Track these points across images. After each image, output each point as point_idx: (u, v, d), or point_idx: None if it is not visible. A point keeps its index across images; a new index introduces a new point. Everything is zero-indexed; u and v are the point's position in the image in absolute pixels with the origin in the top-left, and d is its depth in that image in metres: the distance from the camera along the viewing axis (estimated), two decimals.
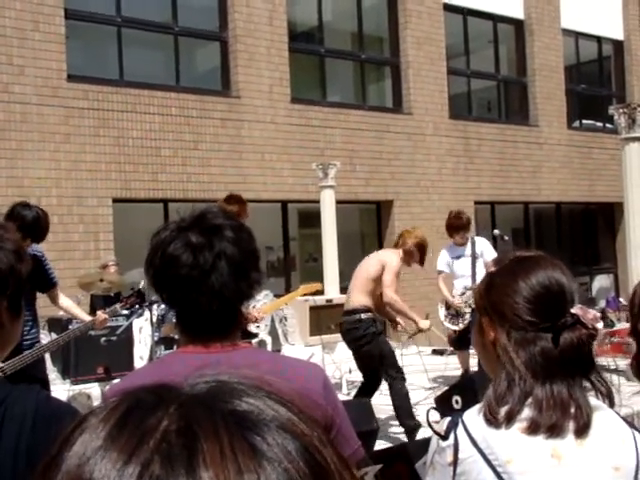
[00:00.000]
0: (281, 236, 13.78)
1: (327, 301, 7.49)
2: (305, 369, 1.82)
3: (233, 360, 1.75)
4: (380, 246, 14.77)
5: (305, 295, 7.10)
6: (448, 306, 8.29)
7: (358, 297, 6.25)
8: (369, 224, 15.29)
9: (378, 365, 6.13)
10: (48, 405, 1.56)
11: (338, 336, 8.04)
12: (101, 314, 5.10)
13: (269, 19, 13.14)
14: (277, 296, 11.18)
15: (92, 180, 11.14)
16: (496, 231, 9.35)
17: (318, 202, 11.32)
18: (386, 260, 6.34)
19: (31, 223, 5.01)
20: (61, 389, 6.59)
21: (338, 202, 12.19)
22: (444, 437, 1.56)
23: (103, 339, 6.60)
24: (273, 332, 9.60)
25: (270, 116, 13.02)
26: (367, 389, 6.38)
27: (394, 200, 14.62)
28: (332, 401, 1.79)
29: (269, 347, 10.85)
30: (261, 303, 10.74)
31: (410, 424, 6.01)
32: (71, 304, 5.48)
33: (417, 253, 6.49)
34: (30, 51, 10.75)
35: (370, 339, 6.07)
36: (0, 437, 1.48)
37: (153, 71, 12.37)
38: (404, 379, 6.16)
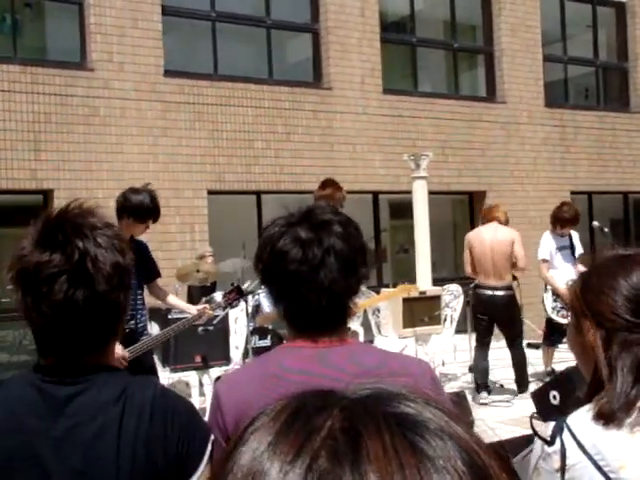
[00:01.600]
0: (372, 227, 13.76)
1: (420, 293, 7.44)
2: (414, 364, 1.81)
3: (341, 355, 1.76)
4: None
5: (400, 295, 7.08)
6: (555, 298, 8.05)
7: (508, 275, 7.36)
8: (461, 215, 15.10)
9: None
10: (164, 398, 1.59)
11: (432, 328, 7.99)
12: (208, 310, 5.14)
13: (361, 10, 13.11)
14: (369, 288, 11.19)
15: (188, 172, 11.38)
16: (595, 223, 9.06)
17: (409, 193, 11.22)
18: (513, 236, 7.35)
19: (139, 207, 5.12)
20: (161, 377, 6.77)
21: (430, 193, 12.05)
22: (549, 442, 1.52)
23: (200, 329, 6.74)
24: (366, 323, 9.60)
25: (362, 107, 13.00)
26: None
27: (487, 191, 14.38)
28: (441, 395, 1.77)
29: (361, 338, 10.86)
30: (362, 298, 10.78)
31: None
32: (174, 297, 5.54)
33: None
34: (129, 48, 11.04)
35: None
36: (120, 427, 1.52)
37: (246, 64, 12.52)
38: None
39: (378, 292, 8.11)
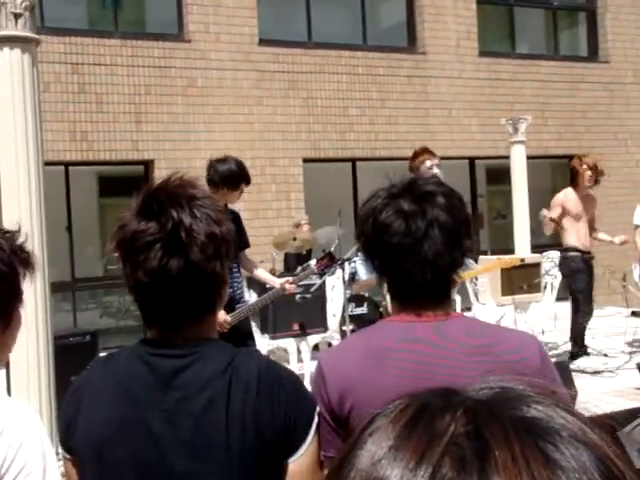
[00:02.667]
0: (469, 193, 13.52)
1: (520, 260, 7.27)
2: (520, 340, 1.75)
3: (454, 327, 1.72)
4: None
5: (501, 270, 6.92)
6: None
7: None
8: (561, 180, 14.64)
9: None
10: (269, 371, 1.59)
11: (531, 296, 7.81)
12: (290, 285, 5.15)
13: None
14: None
15: (283, 141, 11.43)
16: None
17: (507, 158, 10.94)
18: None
19: (229, 174, 5.19)
20: (260, 344, 6.88)
21: (528, 157, 11.70)
22: None
23: (298, 296, 6.79)
24: (463, 291, 9.48)
25: (457, 71, 12.72)
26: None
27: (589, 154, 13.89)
28: (550, 373, 1.71)
29: (458, 306, 10.75)
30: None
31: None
32: (261, 270, 5.50)
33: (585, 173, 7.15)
34: (224, 18, 11.12)
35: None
36: (228, 400, 1.53)
37: (340, 31, 12.42)
38: None
39: (476, 260, 7.97)
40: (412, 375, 1.67)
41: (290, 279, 5.23)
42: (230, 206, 5.26)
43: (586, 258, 7.24)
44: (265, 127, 11.31)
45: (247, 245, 5.39)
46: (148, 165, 10.78)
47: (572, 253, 7.27)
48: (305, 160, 11.63)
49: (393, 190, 1.78)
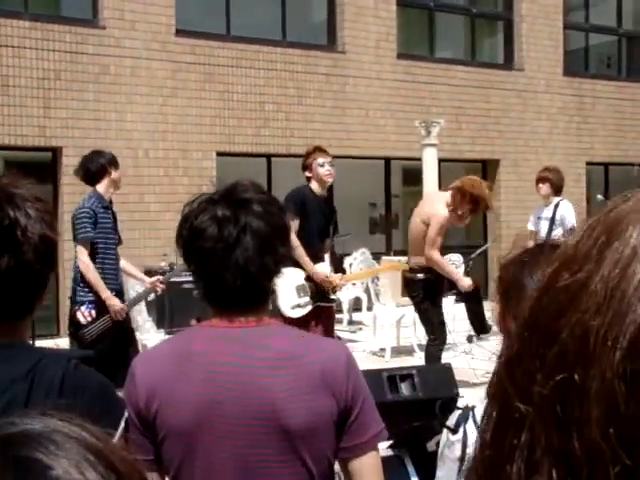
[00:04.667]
0: (383, 193, 13.69)
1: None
2: (326, 350, 1.77)
3: (252, 337, 1.73)
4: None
5: (389, 271, 7.02)
6: None
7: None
8: None
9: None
10: (76, 374, 1.56)
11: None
12: (159, 284, 5.46)
13: None
14: (375, 255, 11.18)
15: (197, 134, 11.32)
16: (599, 196, 8.92)
17: (420, 160, 11.13)
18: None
19: (85, 171, 5.42)
20: (156, 338, 6.82)
21: (442, 160, 11.92)
22: (453, 431, 1.48)
23: (196, 292, 6.75)
24: (368, 290, 9.62)
25: (375, 72, 12.81)
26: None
27: (501, 160, 14.21)
28: (354, 382, 1.74)
29: (364, 305, 10.92)
30: (358, 261, 10.80)
31: None
32: (131, 266, 5.68)
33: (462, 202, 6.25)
34: (141, 6, 10.91)
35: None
36: (27, 402, 1.49)
37: (260, 26, 12.34)
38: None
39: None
40: (214, 383, 1.68)
41: (161, 278, 5.44)
42: (88, 199, 5.45)
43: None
44: (179, 119, 11.18)
45: (121, 242, 5.62)
46: (56, 152, 10.52)
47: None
48: (219, 154, 11.54)
49: (213, 196, 1.81)
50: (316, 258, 5.98)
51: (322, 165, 5.92)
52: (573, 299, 0.48)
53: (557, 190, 7.73)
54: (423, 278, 6.44)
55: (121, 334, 5.15)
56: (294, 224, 5.80)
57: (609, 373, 0.45)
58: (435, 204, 6.43)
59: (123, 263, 5.54)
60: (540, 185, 7.78)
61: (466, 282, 6.58)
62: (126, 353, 4.79)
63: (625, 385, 0.44)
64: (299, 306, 5.94)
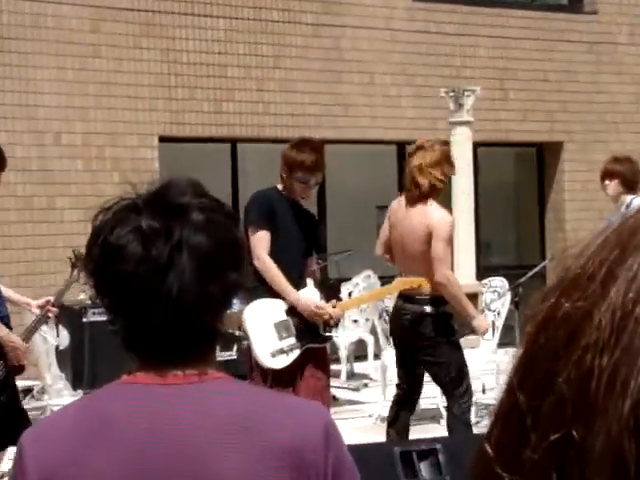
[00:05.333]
0: (397, 191, 13.73)
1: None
2: (298, 416, 1.81)
3: (192, 400, 1.77)
4: (541, 207, 14.60)
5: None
6: None
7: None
8: (525, 176, 15.04)
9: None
10: None
11: (465, 340, 8.01)
12: (51, 308, 5.72)
13: None
14: (383, 279, 11.21)
15: (131, 111, 11.36)
16: None
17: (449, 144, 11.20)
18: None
19: None
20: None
21: (479, 144, 12.02)
22: None
23: None
24: (375, 329, 9.68)
25: (383, 19, 12.91)
26: None
27: (564, 143, 14.29)
28: (335, 461, 1.77)
29: (370, 349, 10.95)
30: (360, 288, 10.82)
31: None
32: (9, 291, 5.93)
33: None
34: None
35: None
36: None
37: None
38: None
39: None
40: (138, 464, 1.72)
41: (50, 299, 5.71)
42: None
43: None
44: (105, 89, 11.22)
45: None
46: None
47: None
48: (162, 139, 11.59)
49: (137, 200, 1.85)
50: (298, 283, 6.19)
51: (303, 181, 6.25)
52: (574, 334, 0.51)
53: (630, 187, 7.79)
54: (433, 313, 6.70)
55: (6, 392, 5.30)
56: (261, 238, 6.00)
57: (616, 427, 0.47)
58: (425, 206, 6.77)
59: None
60: (607, 182, 7.86)
61: (483, 323, 6.86)
62: (13, 424, 4.91)
63: (636, 443, 0.46)
64: (282, 352, 6.08)
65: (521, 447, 0.50)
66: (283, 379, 6.03)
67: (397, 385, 7.12)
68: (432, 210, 6.85)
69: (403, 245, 6.88)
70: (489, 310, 8.82)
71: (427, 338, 6.70)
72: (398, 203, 7.05)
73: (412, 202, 6.80)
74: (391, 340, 7.45)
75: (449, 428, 6.80)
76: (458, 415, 6.67)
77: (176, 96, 11.70)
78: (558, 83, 14.17)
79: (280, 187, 6.31)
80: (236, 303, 8.69)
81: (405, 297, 6.84)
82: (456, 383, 6.75)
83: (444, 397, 7.07)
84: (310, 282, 6.40)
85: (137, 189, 1.90)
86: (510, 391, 0.53)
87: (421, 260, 6.74)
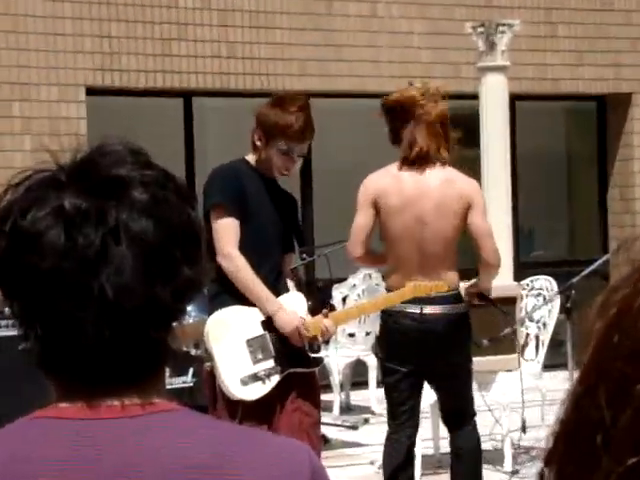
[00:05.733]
0: None
1: (480, 296, 7.49)
2: (273, 457, 1.81)
3: (133, 436, 1.77)
4: (602, 182, 14.63)
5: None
6: None
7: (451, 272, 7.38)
8: (581, 140, 15.07)
9: None
10: None
11: (498, 360, 8.04)
12: None
13: None
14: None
15: (48, 53, 11.37)
16: None
17: (475, 98, 11.22)
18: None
19: None
20: None
21: (517, 97, 12.04)
22: None
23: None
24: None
25: None
26: None
27: (633, 94, 14.34)
28: None
29: (372, 373, 10.97)
30: (358, 291, 10.83)
31: None
32: None
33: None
34: None
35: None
36: None
37: None
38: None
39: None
40: None
41: None
42: None
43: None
44: (11, 23, 11.23)
45: None
46: None
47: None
48: (91, 91, 11.62)
49: (58, 174, 1.83)
50: (276, 287, 6.14)
51: (286, 153, 6.18)
52: None
53: None
54: (466, 311, 7.13)
55: None
56: (227, 227, 5.95)
57: None
58: (454, 175, 7.02)
59: None
60: None
61: None
62: None
63: None
64: (257, 378, 6.04)
65: (589, 474, 0.51)
66: (257, 414, 5.96)
67: (406, 421, 7.27)
68: (458, 175, 7.03)
69: (422, 233, 6.99)
70: (530, 320, 8.83)
71: (462, 345, 7.12)
72: (396, 179, 7.10)
73: (426, 172, 6.97)
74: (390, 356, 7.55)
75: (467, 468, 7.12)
76: (474, 444, 7.08)
77: (109, 33, 11.71)
78: (626, 14, 14.22)
79: (251, 159, 6.21)
80: (193, 311, 8.69)
81: (420, 299, 7.00)
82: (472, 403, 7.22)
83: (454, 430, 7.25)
84: (292, 285, 6.39)
85: (57, 158, 1.89)
86: (575, 403, 0.54)
87: (447, 252, 7.03)
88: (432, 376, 7.28)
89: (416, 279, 6.97)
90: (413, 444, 7.36)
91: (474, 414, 7.29)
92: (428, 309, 7.03)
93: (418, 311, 7.04)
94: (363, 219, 7.14)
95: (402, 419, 7.24)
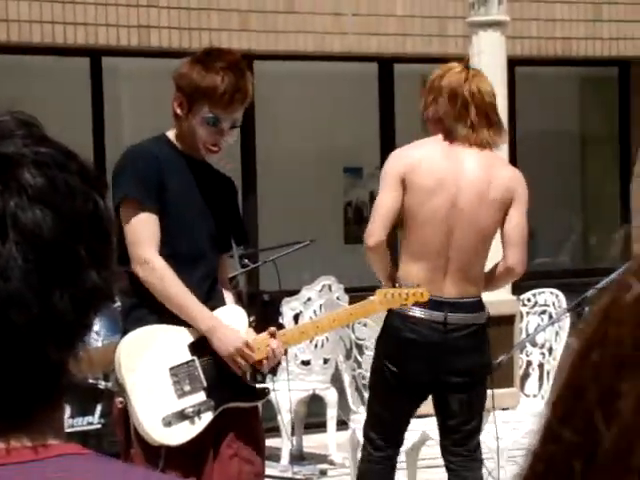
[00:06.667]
0: (378, 142, 13.82)
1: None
2: None
3: None
4: (624, 168, 14.74)
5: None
6: None
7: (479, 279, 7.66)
8: (598, 115, 15.18)
9: None
10: None
11: (496, 394, 8.14)
12: None
13: None
14: (352, 290, 11.26)
15: None
16: None
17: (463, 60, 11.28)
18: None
19: None
20: None
21: (517, 61, 12.12)
22: None
23: None
24: (338, 378, 9.73)
25: None
26: None
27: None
28: None
29: (331, 411, 10.99)
30: (315, 305, 10.85)
31: None
32: None
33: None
34: None
35: None
36: None
37: None
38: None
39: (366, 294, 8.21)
40: None
41: None
42: None
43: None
44: None
45: None
46: None
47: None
48: None
49: None
50: (208, 298, 6.09)
51: (211, 123, 6.11)
52: None
53: None
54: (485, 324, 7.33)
55: None
56: (143, 223, 5.92)
57: None
58: (499, 161, 7.31)
59: None
60: None
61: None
62: None
63: None
64: (183, 416, 5.99)
65: None
66: (184, 462, 5.89)
67: (393, 446, 7.61)
68: (504, 162, 7.21)
69: (455, 221, 7.17)
70: (532, 345, 8.87)
71: (487, 356, 7.32)
72: (430, 154, 7.29)
73: (468, 153, 7.21)
74: (392, 371, 7.63)
75: None
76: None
77: None
78: None
79: (172, 135, 6.18)
80: (101, 331, 8.69)
81: (444, 303, 7.19)
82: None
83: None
84: (229, 297, 6.35)
85: None
86: (550, 427, 0.55)
87: (480, 249, 7.25)
88: (444, 394, 7.45)
89: (441, 279, 7.18)
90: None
91: (479, 445, 7.52)
92: (453, 317, 7.20)
93: (442, 319, 7.20)
94: (390, 199, 7.24)
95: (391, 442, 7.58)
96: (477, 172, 7.14)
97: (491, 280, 7.34)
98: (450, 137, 7.18)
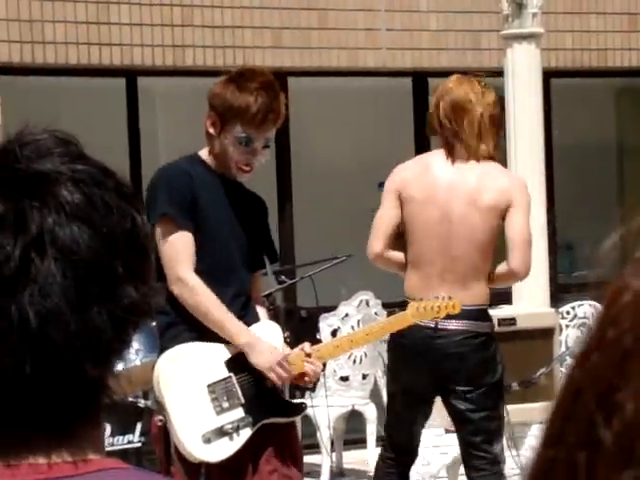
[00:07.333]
0: (413, 148, 13.80)
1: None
2: None
3: None
4: None
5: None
6: None
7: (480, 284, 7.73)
8: (636, 123, 15.11)
9: None
10: None
11: (529, 409, 8.09)
12: None
13: None
14: (389, 305, 11.23)
15: None
16: None
17: (500, 75, 11.26)
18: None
19: None
20: None
21: (553, 73, 12.09)
22: None
23: None
24: (377, 394, 9.69)
25: None
26: None
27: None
28: None
29: (371, 427, 10.96)
30: (353, 321, 10.81)
31: None
32: None
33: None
34: None
35: None
36: None
37: None
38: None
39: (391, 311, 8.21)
40: None
41: None
42: None
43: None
44: None
45: None
46: None
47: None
48: (5, 70, 11.63)
49: None
50: (242, 315, 6.12)
51: (243, 143, 6.18)
52: None
53: None
54: (492, 333, 7.47)
55: None
56: (179, 243, 5.97)
57: None
58: (494, 169, 7.37)
59: None
60: None
61: None
62: None
63: None
64: (222, 433, 5.99)
65: None
66: (224, 477, 5.95)
67: (399, 453, 7.67)
68: (501, 170, 7.51)
69: (449, 232, 7.30)
70: (572, 358, 8.87)
71: (493, 366, 7.43)
72: (423, 168, 7.45)
73: (462, 164, 7.31)
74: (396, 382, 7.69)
75: None
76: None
77: None
78: None
79: (205, 155, 6.25)
80: (140, 351, 8.68)
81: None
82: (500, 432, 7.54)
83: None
84: (263, 313, 6.38)
85: None
86: (553, 428, 0.56)
87: (478, 257, 7.34)
88: (446, 401, 7.55)
89: (436, 287, 7.20)
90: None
91: (498, 461, 7.50)
92: (444, 323, 7.25)
93: (433, 324, 7.27)
94: (386, 211, 7.53)
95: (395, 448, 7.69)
96: (469, 182, 7.28)
97: (497, 281, 7.52)
98: (450, 150, 7.31)
